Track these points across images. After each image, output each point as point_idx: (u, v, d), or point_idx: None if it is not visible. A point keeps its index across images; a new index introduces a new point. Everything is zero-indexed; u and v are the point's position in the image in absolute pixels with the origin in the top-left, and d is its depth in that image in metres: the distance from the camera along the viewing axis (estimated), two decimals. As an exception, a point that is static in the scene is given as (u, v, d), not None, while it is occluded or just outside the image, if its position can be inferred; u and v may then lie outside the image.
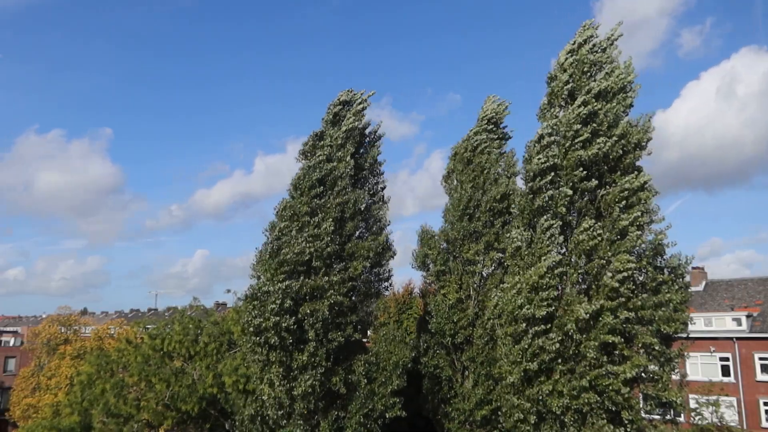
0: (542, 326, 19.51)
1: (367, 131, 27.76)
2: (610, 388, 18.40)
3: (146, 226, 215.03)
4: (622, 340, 18.88)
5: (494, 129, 31.52)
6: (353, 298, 24.87)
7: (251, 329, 22.69)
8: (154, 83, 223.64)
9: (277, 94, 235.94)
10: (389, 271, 26.79)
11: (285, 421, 22.85)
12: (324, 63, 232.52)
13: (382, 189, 27.86)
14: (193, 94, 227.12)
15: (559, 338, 19.19)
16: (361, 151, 27.37)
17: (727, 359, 38.83)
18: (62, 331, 53.89)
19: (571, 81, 21.42)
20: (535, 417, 19.15)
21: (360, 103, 27.06)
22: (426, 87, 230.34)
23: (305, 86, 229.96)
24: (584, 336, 19.09)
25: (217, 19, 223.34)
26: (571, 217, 20.68)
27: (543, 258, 19.90)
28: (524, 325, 19.80)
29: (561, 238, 20.36)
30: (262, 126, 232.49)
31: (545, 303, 19.47)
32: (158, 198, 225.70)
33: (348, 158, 25.47)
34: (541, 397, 19.22)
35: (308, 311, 22.63)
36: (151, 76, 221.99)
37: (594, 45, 21.90)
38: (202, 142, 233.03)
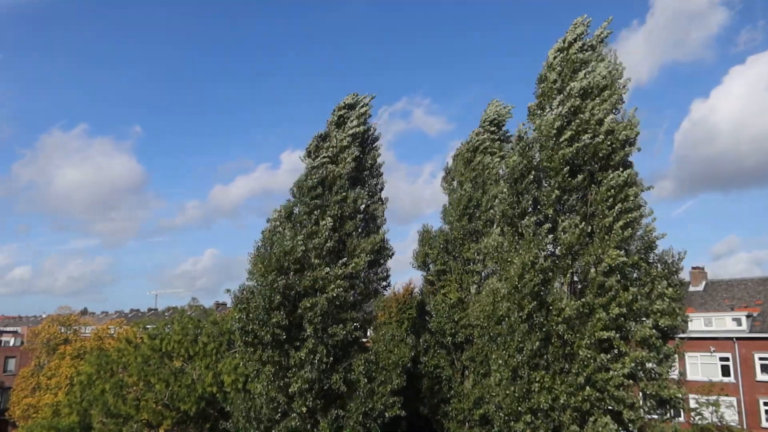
0: (524, 325, 19.51)
1: (368, 134, 28.31)
2: (610, 383, 18.39)
3: (164, 225, 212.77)
4: (618, 335, 18.86)
5: (496, 131, 31.78)
6: (353, 295, 25.03)
7: (238, 329, 22.99)
8: (182, 80, 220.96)
9: (309, 91, 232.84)
10: (387, 270, 27.20)
11: (281, 419, 22.86)
12: (358, 58, 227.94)
13: (381, 189, 28.34)
14: (221, 91, 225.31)
15: (541, 337, 19.18)
16: (363, 153, 27.77)
17: (727, 359, 38.77)
18: (62, 331, 53.85)
19: (559, 80, 21.34)
20: (530, 415, 19.11)
21: (363, 107, 27.50)
22: (469, 83, 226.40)
23: (339, 82, 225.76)
24: (577, 334, 19.07)
25: (255, 16, 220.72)
26: (562, 217, 20.58)
27: (519, 258, 19.91)
28: (504, 325, 19.87)
29: (550, 237, 20.34)
30: (292, 123, 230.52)
31: (526, 300, 19.47)
32: (180, 195, 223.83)
33: (349, 160, 25.91)
34: (531, 396, 19.18)
35: (308, 305, 22.76)
36: (180, 73, 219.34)
37: (584, 44, 21.68)
38: (228, 138, 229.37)
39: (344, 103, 27.55)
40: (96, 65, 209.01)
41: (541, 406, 18.74)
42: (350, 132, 26.57)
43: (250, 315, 22.65)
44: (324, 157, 25.67)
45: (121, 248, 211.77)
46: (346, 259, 24.79)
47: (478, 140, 31.55)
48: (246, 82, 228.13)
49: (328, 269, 23.71)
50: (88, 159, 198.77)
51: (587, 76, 20.79)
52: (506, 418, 19.61)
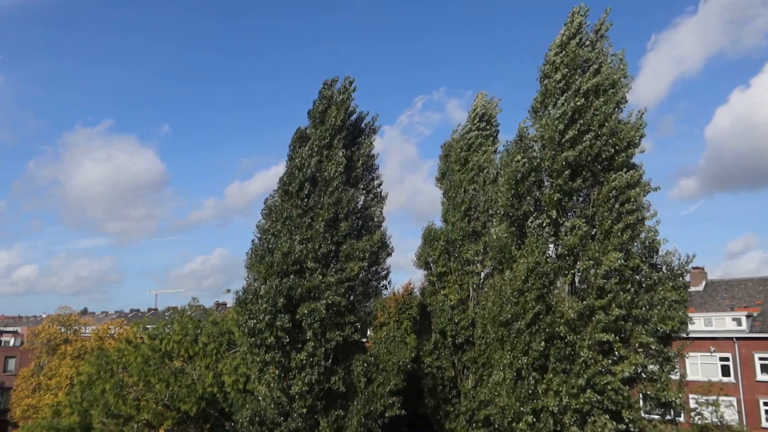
0: (529, 327, 19.42)
1: (362, 125, 26.63)
2: (609, 387, 18.35)
3: (180, 223, 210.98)
4: (618, 339, 18.78)
5: (486, 126, 31.29)
6: (351, 298, 24.65)
7: (245, 331, 22.71)
8: (209, 77, 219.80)
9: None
10: (387, 269, 26.21)
11: (283, 420, 22.80)
12: (398, 52, 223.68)
13: (378, 185, 26.99)
14: (248, 88, 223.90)
15: (544, 338, 19.11)
16: (354, 147, 26.25)
17: (727, 359, 38.77)
18: (62, 331, 53.79)
19: (564, 79, 20.88)
20: (532, 417, 19.07)
21: (341, 94, 25.42)
22: (512, 76, 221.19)
23: (379, 78, 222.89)
24: (578, 336, 19.01)
25: (284, 15, 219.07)
26: (563, 219, 20.35)
27: (523, 260, 19.76)
28: (509, 327, 19.77)
29: (552, 239, 20.20)
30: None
31: (530, 304, 19.36)
32: (199, 193, 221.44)
33: (339, 156, 24.49)
34: (536, 397, 19.14)
35: (306, 311, 22.51)
36: (202, 70, 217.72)
37: (581, 39, 21.18)
38: (252, 135, 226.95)
39: (321, 94, 25.40)
40: (119, 62, 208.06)
41: (549, 408, 18.70)
42: (329, 125, 24.64)
43: (254, 317, 22.43)
44: (303, 154, 24.21)
45: (133, 247, 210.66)
46: (340, 264, 24.10)
47: (470, 137, 31.21)
48: (271, 80, 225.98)
49: (321, 277, 23.16)
50: (109, 156, 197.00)
51: (594, 74, 20.36)
52: (509, 418, 19.57)
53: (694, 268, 45.48)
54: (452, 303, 29.35)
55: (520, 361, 19.41)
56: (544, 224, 20.17)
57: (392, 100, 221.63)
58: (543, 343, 19.11)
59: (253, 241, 24.48)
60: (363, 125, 26.82)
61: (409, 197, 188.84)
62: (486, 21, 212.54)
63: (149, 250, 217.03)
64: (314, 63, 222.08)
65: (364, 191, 26.20)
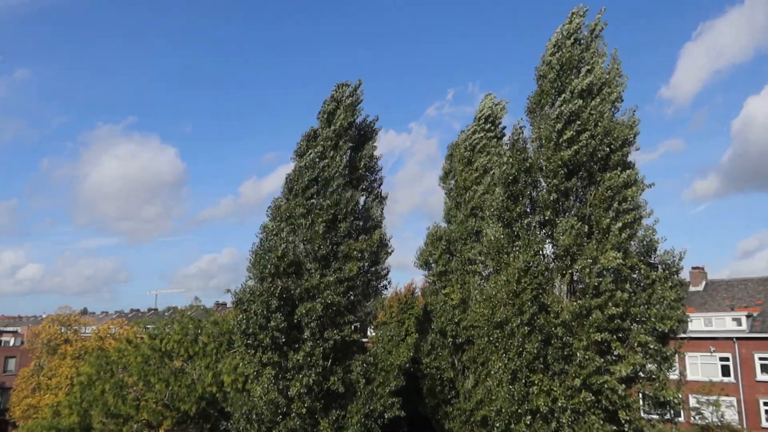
0: (524, 329, 19.36)
1: (362, 126, 26.92)
2: (606, 387, 18.30)
3: (192, 222, 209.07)
4: (616, 339, 18.73)
5: (491, 128, 31.53)
6: (351, 297, 24.66)
7: (240, 332, 22.83)
8: (233, 75, 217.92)
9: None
10: (387, 269, 26.33)
11: (281, 420, 22.80)
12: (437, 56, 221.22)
13: (379, 185, 27.31)
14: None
15: (540, 339, 19.07)
16: (358, 149, 26.55)
17: (727, 359, 38.79)
18: (62, 331, 53.80)
19: (558, 79, 20.91)
20: (529, 417, 19.03)
21: (349, 97, 25.81)
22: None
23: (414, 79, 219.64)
24: (575, 336, 18.95)
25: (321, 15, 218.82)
26: (560, 219, 20.27)
27: (516, 261, 19.70)
28: (503, 329, 19.74)
29: (548, 239, 20.19)
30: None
31: (527, 305, 19.31)
32: (216, 192, 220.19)
33: (343, 157, 24.82)
34: (530, 397, 19.10)
35: (304, 311, 22.56)
36: (231, 70, 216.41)
37: (576, 39, 21.23)
38: (279, 130, 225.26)
39: (332, 97, 25.91)
40: (143, 61, 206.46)
41: (540, 409, 18.65)
42: (336, 126, 25.06)
43: (250, 318, 22.51)
44: (311, 154, 24.49)
45: (145, 246, 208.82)
46: (339, 264, 24.13)
47: (474, 138, 31.40)
48: (303, 72, 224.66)
49: (320, 277, 23.24)
50: (129, 154, 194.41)
51: (588, 74, 20.38)
52: (506, 420, 19.52)
53: (694, 267, 45.49)
54: (453, 303, 29.35)
55: (514, 363, 19.35)
56: (534, 224, 20.13)
57: (421, 95, 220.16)
58: (539, 344, 19.07)
59: (254, 243, 24.54)
60: (367, 127, 27.21)
61: (426, 195, 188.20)
62: (521, 17, 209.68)
63: (162, 249, 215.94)
64: (342, 58, 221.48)
65: (366, 192, 26.54)
